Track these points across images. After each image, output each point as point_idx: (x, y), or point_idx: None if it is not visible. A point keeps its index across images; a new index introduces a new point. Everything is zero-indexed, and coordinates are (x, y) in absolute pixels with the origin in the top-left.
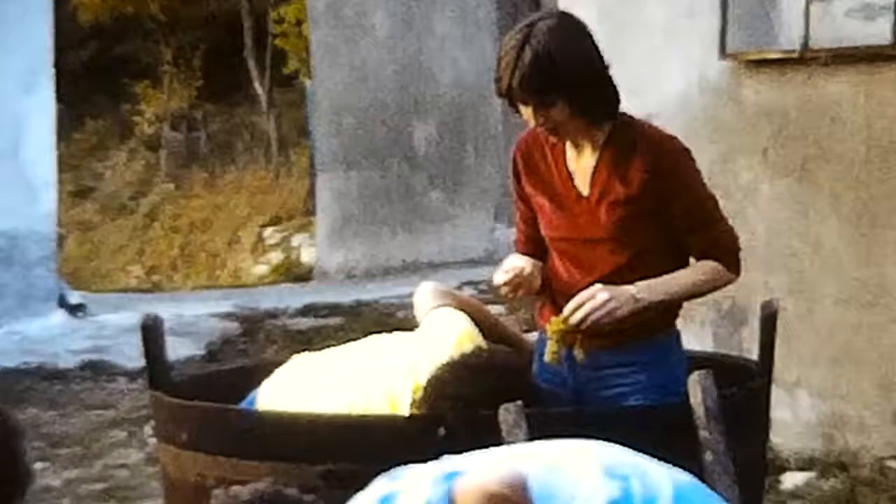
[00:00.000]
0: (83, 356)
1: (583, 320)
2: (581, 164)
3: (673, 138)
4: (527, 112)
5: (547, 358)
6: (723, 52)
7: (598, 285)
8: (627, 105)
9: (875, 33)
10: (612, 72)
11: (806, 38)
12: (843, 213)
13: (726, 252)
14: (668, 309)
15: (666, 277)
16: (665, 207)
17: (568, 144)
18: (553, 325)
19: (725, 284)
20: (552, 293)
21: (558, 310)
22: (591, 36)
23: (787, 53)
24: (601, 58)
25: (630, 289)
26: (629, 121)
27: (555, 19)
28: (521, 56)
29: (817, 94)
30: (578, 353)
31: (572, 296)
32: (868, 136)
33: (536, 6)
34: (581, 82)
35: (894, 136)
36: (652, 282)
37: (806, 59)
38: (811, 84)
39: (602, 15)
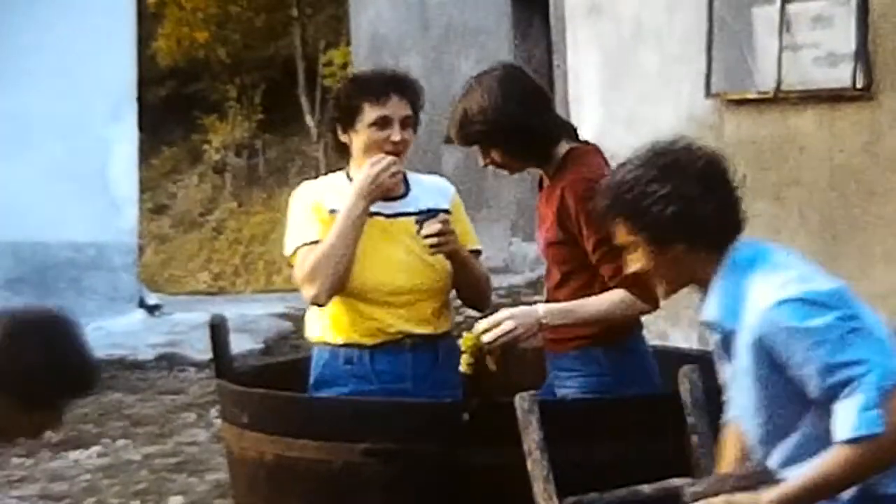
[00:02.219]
0: (159, 349)
1: (493, 341)
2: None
3: (589, 178)
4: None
5: (462, 368)
6: (708, 92)
7: (507, 311)
8: (626, 137)
9: (837, 77)
10: (612, 108)
11: (779, 81)
12: (809, 230)
13: (634, 284)
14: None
15: (574, 303)
16: (577, 238)
17: None
18: (466, 339)
19: (640, 313)
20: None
21: None
22: (530, 89)
23: (762, 94)
24: (537, 108)
25: (538, 312)
26: (572, 153)
27: (495, 77)
28: (455, 112)
29: (788, 129)
30: (490, 364)
31: (549, 299)
32: (831, 164)
33: (548, 51)
34: (505, 135)
35: (853, 164)
36: (559, 306)
37: (779, 98)
38: (783, 120)
39: (605, 60)
